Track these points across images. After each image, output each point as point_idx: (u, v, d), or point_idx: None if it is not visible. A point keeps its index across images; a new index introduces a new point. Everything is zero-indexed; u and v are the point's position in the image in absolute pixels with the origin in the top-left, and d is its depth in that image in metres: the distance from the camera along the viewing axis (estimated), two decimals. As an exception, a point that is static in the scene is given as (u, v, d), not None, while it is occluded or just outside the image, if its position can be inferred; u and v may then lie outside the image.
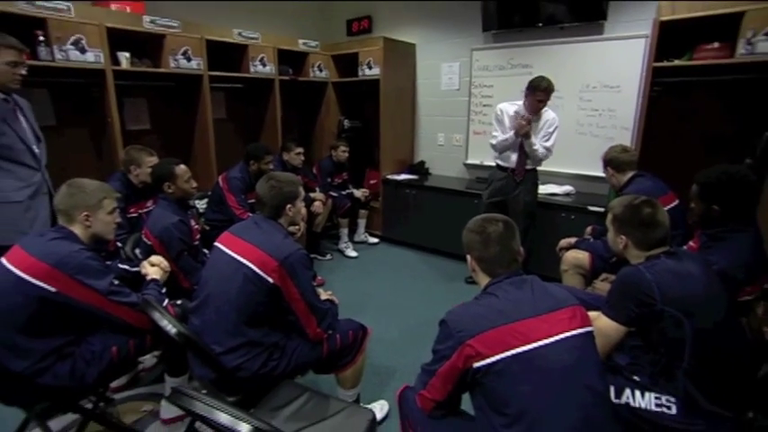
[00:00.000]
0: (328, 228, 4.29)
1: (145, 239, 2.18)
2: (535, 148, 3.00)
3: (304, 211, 3.44)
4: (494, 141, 3.16)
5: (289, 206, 1.72)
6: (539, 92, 2.93)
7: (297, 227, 3.15)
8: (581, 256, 2.49)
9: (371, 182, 4.53)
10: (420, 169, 4.50)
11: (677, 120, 2.99)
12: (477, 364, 1.09)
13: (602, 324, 1.42)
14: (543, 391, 1.05)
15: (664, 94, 2.98)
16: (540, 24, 3.60)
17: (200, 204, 3.34)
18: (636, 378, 1.42)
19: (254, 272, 1.54)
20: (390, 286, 3.52)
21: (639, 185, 2.28)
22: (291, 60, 4.30)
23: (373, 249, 4.37)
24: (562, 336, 1.10)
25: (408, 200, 4.20)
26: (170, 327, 1.41)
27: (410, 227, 4.26)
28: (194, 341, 1.45)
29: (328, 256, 4.07)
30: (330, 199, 3.97)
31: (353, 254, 4.11)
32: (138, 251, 2.26)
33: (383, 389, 2.27)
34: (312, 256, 3.99)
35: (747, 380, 1.40)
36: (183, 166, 2.27)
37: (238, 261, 1.57)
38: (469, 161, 4.33)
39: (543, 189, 3.64)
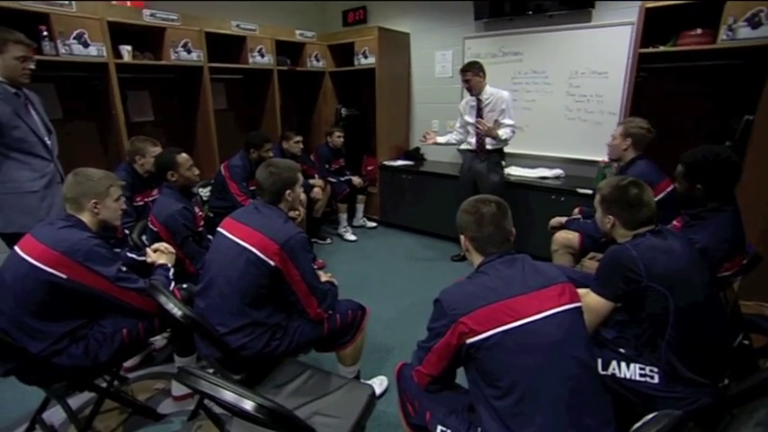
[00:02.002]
0: (328, 213, 4.28)
1: (151, 226, 2.17)
2: (503, 138, 3.18)
3: (303, 196, 3.45)
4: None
5: (288, 191, 1.71)
6: (461, 73, 3.20)
7: (297, 212, 3.17)
8: (570, 237, 2.49)
9: (369, 168, 4.50)
10: (415, 155, 4.47)
11: (662, 104, 2.96)
12: (470, 340, 1.09)
13: (591, 300, 1.43)
14: (533, 364, 1.05)
15: (649, 80, 2.94)
16: (530, 12, 3.54)
17: (204, 192, 3.32)
18: (621, 350, 1.43)
19: (256, 255, 1.53)
20: (388, 268, 3.53)
21: (638, 168, 2.24)
22: (289, 51, 4.22)
23: (371, 233, 4.37)
24: (551, 311, 1.10)
25: (404, 185, 4.18)
26: (175, 310, 1.41)
27: (406, 211, 4.26)
28: (199, 323, 1.45)
29: (328, 240, 4.07)
30: (329, 185, 3.94)
31: (352, 238, 4.11)
32: (144, 238, 2.25)
33: (382, 365, 2.29)
34: (312, 240, 3.98)
35: (724, 350, 1.41)
36: (184, 155, 2.25)
37: (240, 245, 1.57)
38: (463, 147, 4.28)
39: (534, 173, 3.64)
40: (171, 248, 2.01)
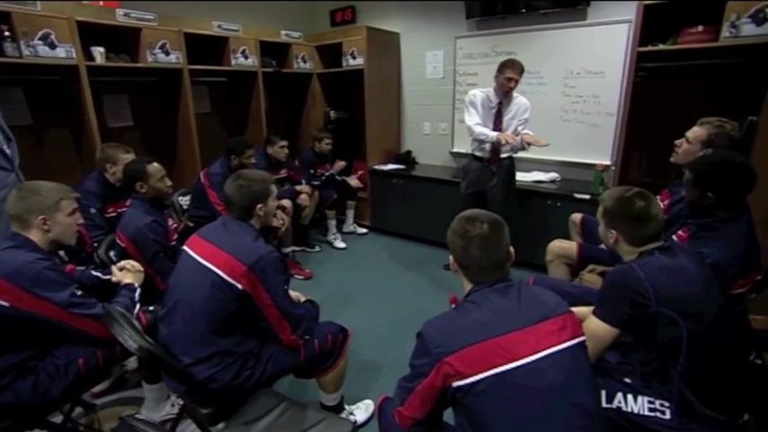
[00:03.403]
0: (317, 219, 4.12)
1: (118, 242, 2.01)
2: (518, 146, 2.86)
3: (289, 203, 3.28)
4: (471, 123, 2.91)
5: (259, 206, 1.55)
6: (507, 68, 2.76)
7: (281, 221, 3.02)
8: (567, 246, 2.35)
9: (359, 172, 4.35)
10: (407, 159, 4.32)
11: (662, 105, 2.83)
12: (456, 384, 0.94)
13: (594, 326, 1.28)
14: (529, 413, 0.91)
15: (648, 80, 2.81)
16: (523, 10, 3.41)
17: (184, 201, 3.15)
18: (627, 380, 1.29)
19: (222, 278, 1.38)
20: (378, 277, 3.38)
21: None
22: (274, 52, 4.06)
23: (362, 240, 4.22)
24: (550, 350, 0.95)
25: (396, 190, 4.03)
26: (130, 342, 1.25)
27: (398, 216, 4.11)
28: (156, 356, 1.29)
29: (317, 248, 3.91)
30: (316, 191, 3.78)
31: (342, 245, 3.95)
32: (112, 253, 2.09)
33: (369, 386, 2.14)
34: (300, 248, 3.83)
35: (743, 380, 1.27)
36: (155, 165, 2.09)
37: (205, 267, 1.41)
38: (455, 150, 4.16)
39: (529, 176, 3.50)
40: (138, 266, 1.85)
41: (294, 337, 1.51)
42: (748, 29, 2.34)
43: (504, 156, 2.97)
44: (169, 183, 2.15)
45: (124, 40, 3.03)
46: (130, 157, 2.42)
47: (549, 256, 2.39)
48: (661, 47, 2.63)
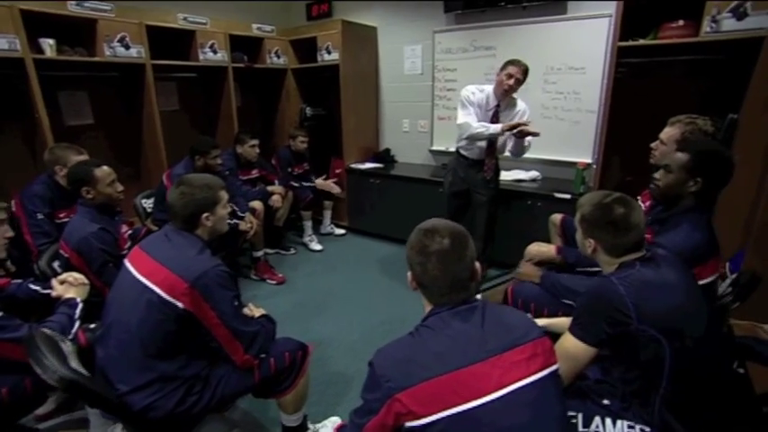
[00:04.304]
0: (293, 219, 3.97)
1: (62, 252, 1.84)
2: (526, 144, 2.70)
3: (259, 204, 3.12)
4: (465, 120, 2.64)
5: (206, 215, 1.41)
6: (509, 65, 2.56)
7: (249, 224, 2.87)
8: (545, 249, 2.25)
9: (337, 171, 4.20)
10: (386, 157, 4.18)
11: (643, 102, 2.74)
12: (410, 424, 0.82)
13: (570, 345, 1.17)
14: None
15: (629, 76, 2.72)
16: (503, 4, 3.29)
17: (148, 203, 2.97)
18: (606, 402, 1.18)
19: (160, 297, 1.23)
20: (354, 281, 3.25)
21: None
22: (246, 47, 3.88)
23: (339, 241, 4.07)
24: (517, 385, 0.84)
25: (374, 189, 3.90)
26: (49, 373, 1.09)
27: (377, 217, 3.97)
28: (82, 387, 1.14)
29: (292, 251, 3.76)
30: (291, 191, 3.63)
31: (318, 247, 3.80)
32: (57, 264, 1.92)
33: (339, 400, 2.01)
34: (275, 251, 3.68)
35: (728, 402, 1.18)
36: (105, 168, 1.92)
37: (142, 284, 1.27)
38: (435, 147, 4.04)
39: (509, 175, 3.40)
40: (82, 278, 1.69)
41: (247, 357, 1.37)
42: (729, 24, 2.27)
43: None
44: (120, 188, 1.98)
45: (79, 33, 2.83)
46: (83, 157, 2.25)
47: (526, 259, 2.29)
48: (641, 42, 2.54)
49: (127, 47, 2.94)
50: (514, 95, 2.71)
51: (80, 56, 2.82)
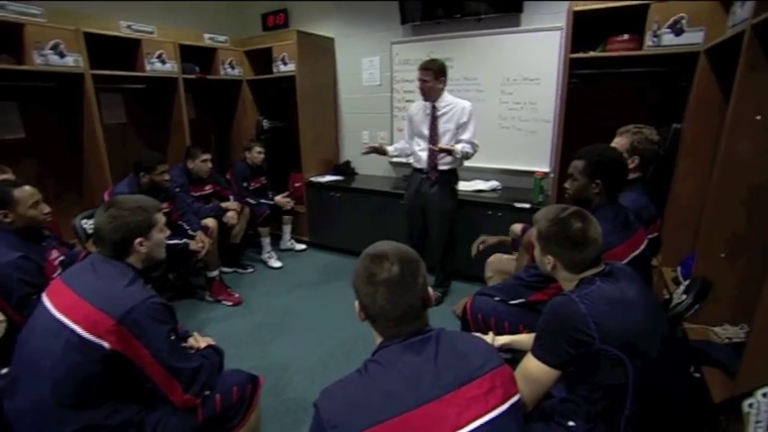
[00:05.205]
0: (251, 236, 3.79)
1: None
2: (459, 154, 2.71)
3: (213, 222, 2.95)
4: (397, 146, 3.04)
5: (139, 240, 1.27)
6: (418, 70, 2.71)
7: (201, 244, 2.70)
8: (506, 260, 2.23)
9: (296, 185, 4.08)
10: (346, 169, 4.10)
11: (595, 111, 2.81)
12: (359, 475, 0.73)
13: (532, 367, 1.11)
14: None
15: (581, 87, 2.78)
16: (458, 15, 3.32)
17: (88, 224, 2.73)
18: (571, 423, 1.13)
19: (81, 336, 1.09)
20: (315, 300, 3.12)
21: (631, 198, 1.79)
22: (198, 57, 3.72)
23: (300, 257, 3.93)
24: (476, 424, 0.77)
25: (334, 202, 3.80)
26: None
27: (338, 231, 3.87)
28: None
29: (250, 269, 3.58)
30: (247, 207, 3.47)
31: (278, 264, 3.64)
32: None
33: (297, 429, 1.88)
34: (232, 270, 3.50)
35: (688, 415, 1.16)
36: (27, 189, 1.73)
37: (60, 322, 1.11)
38: (395, 159, 3.99)
39: (470, 185, 3.40)
40: (-1, 314, 1.49)
41: (188, 396, 1.23)
42: (668, 39, 2.36)
43: (444, 167, 2.80)
44: (47, 209, 1.79)
45: (4, 39, 2.58)
46: (5, 177, 2.03)
47: (488, 272, 2.27)
48: (591, 54, 2.61)
49: (61, 55, 2.71)
50: (447, 95, 2.79)
51: (6, 63, 2.57)
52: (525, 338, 1.51)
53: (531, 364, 1.12)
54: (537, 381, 1.11)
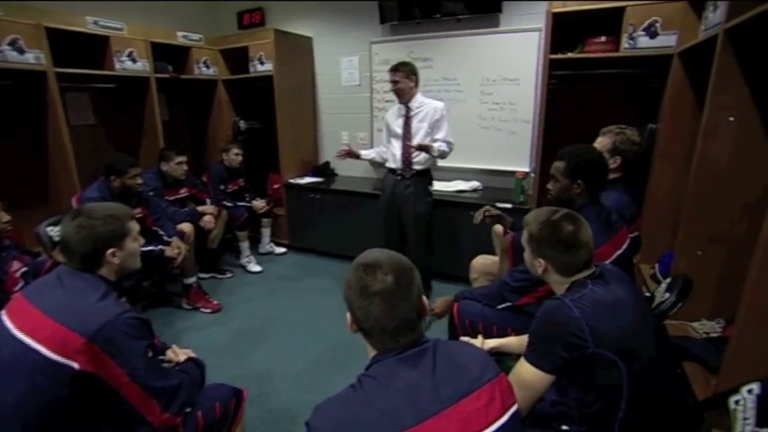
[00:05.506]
0: (229, 240, 3.68)
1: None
2: (436, 152, 2.68)
3: (189, 227, 2.84)
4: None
5: (111, 251, 1.18)
6: (389, 72, 2.73)
7: (177, 250, 2.59)
8: (490, 262, 2.23)
9: (275, 187, 3.98)
10: (325, 171, 4.03)
11: (574, 111, 2.84)
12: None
13: (526, 373, 1.10)
14: None
15: (560, 87, 2.81)
16: (438, 16, 3.30)
17: (54, 232, 2.58)
18: (565, 428, 1.13)
19: (47, 358, 1.00)
20: (297, 304, 3.05)
21: (613, 198, 1.83)
22: (171, 56, 3.58)
23: (280, 260, 3.84)
24: None
25: (314, 204, 3.73)
26: None
27: (318, 233, 3.80)
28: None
29: (228, 274, 3.47)
30: (224, 210, 3.36)
31: (257, 268, 3.55)
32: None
33: (283, 442, 1.82)
34: (210, 275, 3.38)
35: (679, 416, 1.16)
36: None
37: (22, 344, 1.02)
38: (374, 160, 3.95)
39: (451, 186, 3.40)
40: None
41: (167, 415, 1.15)
42: (644, 41, 2.41)
43: (418, 167, 2.78)
44: (6, 217, 1.68)
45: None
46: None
47: (473, 274, 2.26)
48: (570, 55, 2.64)
49: (21, 51, 2.55)
50: (420, 96, 2.77)
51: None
52: (514, 341, 1.50)
53: (524, 370, 1.10)
54: (531, 386, 1.09)
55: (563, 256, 1.14)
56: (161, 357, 1.37)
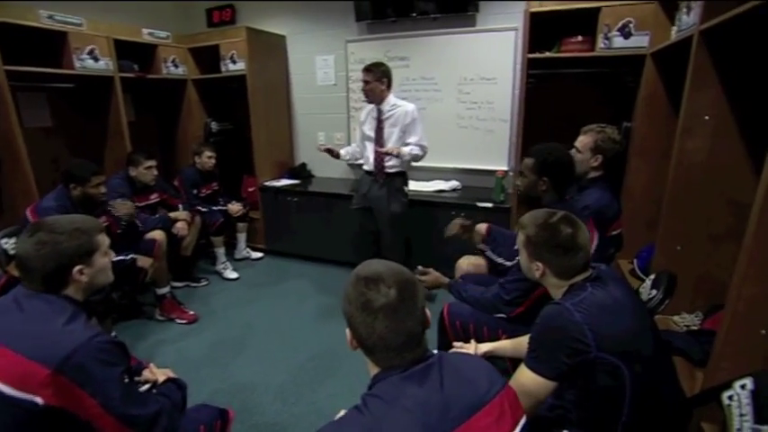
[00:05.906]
0: (203, 245, 3.52)
1: None
2: (407, 157, 2.65)
3: (162, 238, 2.69)
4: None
5: (78, 268, 1.06)
6: (361, 72, 2.71)
7: (149, 260, 2.44)
8: (473, 262, 2.20)
9: (250, 190, 3.84)
10: (302, 172, 3.92)
11: (552, 110, 2.86)
12: None
13: (527, 380, 1.06)
14: None
15: (538, 86, 2.82)
16: (414, 14, 3.26)
17: (9, 244, 2.37)
18: (565, 433, 1.10)
19: (5, 395, 0.88)
20: (275, 311, 2.93)
21: (594, 197, 1.84)
22: (136, 54, 3.37)
23: (257, 266, 3.71)
24: None
25: (291, 207, 3.62)
26: None
27: (296, 236, 3.69)
28: None
29: (204, 282, 3.32)
30: (198, 215, 3.21)
31: (233, 275, 3.41)
32: None
33: (269, 458, 1.73)
34: (184, 284, 3.23)
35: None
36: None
37: (-23, 379, 0.90)
38: (350, 161, 3.88)
39: (430, 186, 3.37)
40: None
41: (146, 443, 1.05)
42: (618, 41, 2.46)
43: (392, 170, 2.73)
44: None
45: None
46: None
47: (458, 275, 2.22)
48: (548, 54, 2.65)
49: (-38, 47, 2.33)
50: (392, 98, 2.73)
51: None
52: (507, 345, 1.47)
53: (525, 378, 1.07)
54: (532, 394, 1.06)
55: (561, 259, 1.11)
56: (137, 379, 1.26)
